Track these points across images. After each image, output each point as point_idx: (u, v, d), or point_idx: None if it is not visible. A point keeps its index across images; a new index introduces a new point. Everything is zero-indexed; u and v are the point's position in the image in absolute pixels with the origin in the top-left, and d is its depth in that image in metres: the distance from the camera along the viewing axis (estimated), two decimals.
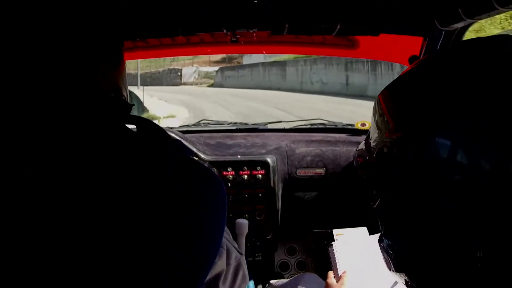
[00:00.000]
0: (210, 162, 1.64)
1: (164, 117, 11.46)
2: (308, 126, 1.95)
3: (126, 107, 0.49)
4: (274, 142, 1.76)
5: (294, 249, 1.96)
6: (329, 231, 1.76)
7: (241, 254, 0.71)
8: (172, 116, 12.14)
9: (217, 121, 2.02)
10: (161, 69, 38.43)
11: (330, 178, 1.72)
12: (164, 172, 0.48)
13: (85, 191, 0.43)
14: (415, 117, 0.43)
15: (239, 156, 1.67)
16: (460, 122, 0.38)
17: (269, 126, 1.98)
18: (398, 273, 0.48)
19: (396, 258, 0.47)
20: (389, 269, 0.50)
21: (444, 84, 0.42)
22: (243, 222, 1.48)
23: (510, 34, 0.42)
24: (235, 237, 1.49)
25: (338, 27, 1.09)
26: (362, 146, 0.61)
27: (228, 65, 33.69)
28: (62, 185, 0.42)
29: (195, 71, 37.31)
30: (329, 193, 1.75)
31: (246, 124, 1.98)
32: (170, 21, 1.07)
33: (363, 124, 1.80)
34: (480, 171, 0.36)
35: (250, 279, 1.12)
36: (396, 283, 0.96)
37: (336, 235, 1.09)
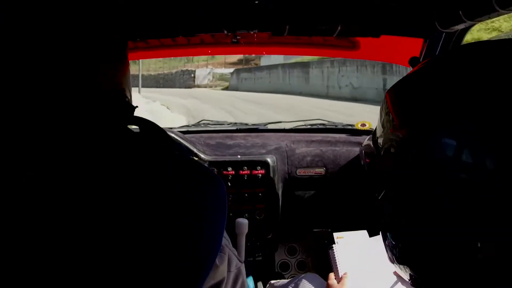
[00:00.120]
0: (210, 162, 1.64)
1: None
2: (308, 126, 1.95)
3: (129, 108, 0.49)
4: (274, 142, 1.76)
5: (295, 249, 1.96)
6: (329, 230, 1.77)
7: (241, 262, 0.71)
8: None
9: (217, 121, 2.02)
10: (174, 71, 36.79)
11: (330, 178, 1.73)
12: (164, 172, 0.48)
13: (85, 191, 0.43)
14: (419, 115, 0.44)
15: (239, 156, 1.67)
16: (462, 122, 0.39)
17: (269, 126, 1.97)
18: (401, 266, 0.49)
19: (399, 251, 0.48)
20: (392, 262, 0.50)
21: (448, 84, 0.43)
22: (243, 222, 1.48)
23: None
24: (235, 236, 1.49)
25: (339, 28, 1.09)
26: (368, 141, 0.62)
27: (245, 66, 31.57)
28: (61, 185, 0.42)
29: (209, 72, 35.24)
30: (329, 193, 1.76)
31: (246, 124, 1.98)
32: (171, 22, 1.07)
33: (363, 125, 1.80)
34: (481, 170, 0.37)
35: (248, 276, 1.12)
36: (396, 282, 0.96)
37: (337, 238, 1.09)
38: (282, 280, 1.36)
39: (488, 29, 8.47)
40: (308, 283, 1.16)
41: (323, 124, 1.97)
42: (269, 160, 1.67)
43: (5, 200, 0.41)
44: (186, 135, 1.70)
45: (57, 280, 0.40)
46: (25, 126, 0.42)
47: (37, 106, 0.41)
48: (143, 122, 0.54)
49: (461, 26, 0.98)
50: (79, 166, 0.44)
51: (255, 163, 1.66)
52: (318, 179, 1.72)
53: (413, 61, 1.15)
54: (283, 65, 22.53)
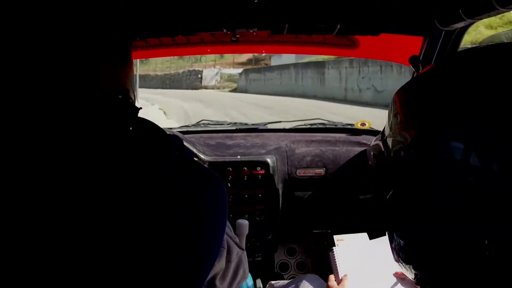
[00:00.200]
0: (210, 163, 1.64)
1: None
2: (308, 126, 1.95)
3: (132, 109, 0.49)
4: (274, 142, 1.76)
5: (294, 249, 1.96)
6: (329, 231, 1.76)
7: (242, 249, 0.71)
8: None
9: (217, 121, 2.02)
10: (181, 71, 34.82)
11: (330, 178, 1.72)
12: (164, 172, 0.48)
13: (86, 192, 0.43)
14: (428, 117, 0.44)
15: (239, 157, 1.67)
16: (470, 125, 0.39)
17: (269, 126, 1.97)
18: (406, 266, 0.49)
19: (405, 251, 0.48)
20: (397, 261, 0.50)
21: (456, 87, 0.43)
22: (244, 223, 1.48)
23: None
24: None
25: (338, 26, 1.09)
26: (377, 141, 0.63)
27: (254, 66, 29.02)
28: (62, 186, 0.42)
29: (217, 73, 32.97)
30: (329, 193, 1.75)
31: (246, 124, 1.98)
32: (170, 21, 1.07)
33: (363, 124, 1.80)
34: (489, 173, 0.37)
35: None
36: (396, 283, 0.96)
37: (337, 240, 1.09)
38: (282, 281, 1.35)
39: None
40: (308, 284, 1.15)
41: (323, 124, 1.97)
42: (269, 160, 1.66)
43: (5, 201, 0.41)
44: (186, 135, 1.70)
45: (58, 281, 0.40)
46: (26, 127, 0.42)
47: (39, 106, 0.41)
48: (143, 123, 0.54)
49: (460, 24, 0.97)
50: (79, 167, 0.44)
51: (255, 164, 1.65)
52: (318, 180, 1.72)
53: (413, 60, 1.14)
54: (295, 65, 20.49)
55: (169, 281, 0.44)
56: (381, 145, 0.57)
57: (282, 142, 1.76)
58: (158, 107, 14.53)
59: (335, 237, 1.11)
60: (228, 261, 0.65)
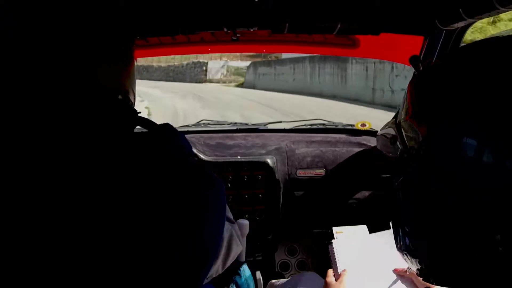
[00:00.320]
0: (210, 163, 1.64)
1: None
2: (308, 127, 1.94)
3: (131, 110, 0.50)
4: (274, 143, 1.76)
5: (295, 249, 1.96)
6: (329, 231, 1.76)
7: (232, 223, 0.71)
8: None
9: (217, 121, 2.02)
10: (185, 62, 31.94)
11: (330, 179, 1.72)
12: (163, 172, 0.48)
13: (86, 192, 0.43)
14: (438, 111, 0.44)
15: (239, 157, 1.66)
16: (480, 120, 0.39)
17: (269, 127, 1.97)
18: (411, 258, 0.48)
19: (410, 243, 0.48)
20: (401, 253, 0.50)
21: (465, 82, 0.42)
22: (244, 223, 1.48)
23: None
24: None
25: (339, 26, 1.08)
26: (389, 128, 0.62)
27: (264, 59, 24.67)
28: (63, 186, 0.42)
29: (223, 66, 29.75)
30: (329, 194, 1.75)
31: (246, 124, 1.97)
32: (171, 20, 1.07)
33: (363, 125, 1.80)
34: (496, 171, 0.37)
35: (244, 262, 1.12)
36: (396, 280, 0.96)
37: (336, 233, 1.09)
38: (281, 279, 1.35)
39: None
40: (306, 281, 1.15)
41: (323, 124, 1.96)
42: (269, 160, 1.66)
43: (6, 201, 0.41)
44: (186, 135, 1.69)
45: (58, 280, 0.40)
46: (28, 127, 0.42)
47: (41, 107, 0.42)
48: (143, 123, 0.54)
49: (461, 24, 0.97)
50: (79, 166, 0.44)
51: (255, 164, 1.65)
52: (318, 181, 1.72)
53: (413, 60, 1.14)
54: (311, 58, 16.75)
55: (169, 281, 0.44)
56: (396, 130, 0.57)
57: (282, 142, 1.76)
58: (146, 105, 12.56)
59: (334, 229, 1.10)
60: None
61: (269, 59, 23.53)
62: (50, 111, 0.42)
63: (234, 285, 1.02)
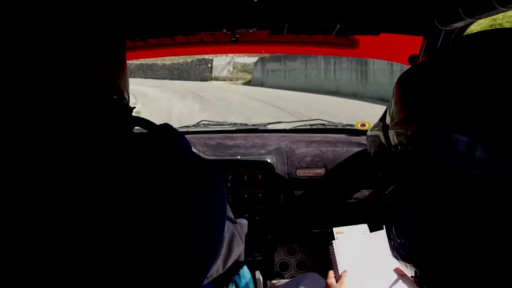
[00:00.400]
0: (210, 163, 1.64)
1: None
2: (308, 127, 1.95)
3: (127, 109, 0.50)
4: (274, 143, 1.76)
5: (294, 249, 1.96)
6: (328, 231, 1.76)
7: (234, 223, 0.71)
8: None
9: (217, 122, 2.02)
10: (190, 60, 31.13)
11: (329, 179, 1.72)
12: (163, 172, 0.48)
13: (87, 192, 0.43)
14: (427, 111, 0.43)
15: (239, 157, 1.67)
16: (471, 120, 0.38)
17: (269, 127, 1.97)
18: (405, 264, 0.48)
19: (404, 249, 0.48)
20: (397, 259, 0.50)
21: (456, 80, 0.42)
22: (243, 222, 1.48)
23: None
24: None
25: (338, 26, 1.08)
26: (377, 131, 0.61)
27: (272, 54, 21.72)
28: (64, 186, 0.42)
29: (229, 62, 28.44)
30: (329, 194, 1.75)
31: (246, 124, 1.98)
32: (170, 21, 1.07)
33: (363, 125, 1.80)
34: (490, 170, 0.37)
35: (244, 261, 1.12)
36: (397, 280, 0.96)
37: (337, 233, 1.08)
38: (282, 280, 1.35)
39: None
40: (308, 282, 1.15)
41: (323, 124, 1.96)
42: (269, 160, 1.67)
43: (6, 201, 0.41)
44: (186, 136, 1.69)
45: (58, 280, 0.40)
46: (28, 127, 0.42)
47: (40, 108, 0.42)
48: (142, 122, 0.54)
49: (460, 24, 0.97)
50: (80, 167, 0.44)
51: (255, 164, 1.66)
52: (317, 180, 1.72)
53: (412, 59, 1.14)
54: None
55: (169, 281, 0.44)
56: (383, 135, 0.56)
57: (282, 142, 1.76)
58: (137, 109, 10.21)
59: (335, 229, 1.10)
60: None
61: (278, 54, 19.62)
62: (50, 111, 0.42)
63: (234, 285, 1.02)
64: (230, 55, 27.95)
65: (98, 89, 0.46)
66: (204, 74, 28.86)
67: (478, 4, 0.85)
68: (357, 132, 1.83)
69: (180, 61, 32.90)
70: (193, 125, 1.99)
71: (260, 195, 1.67)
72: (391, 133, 0.51)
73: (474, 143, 0.37)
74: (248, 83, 23.72)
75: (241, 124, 1.97)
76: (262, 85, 20.69)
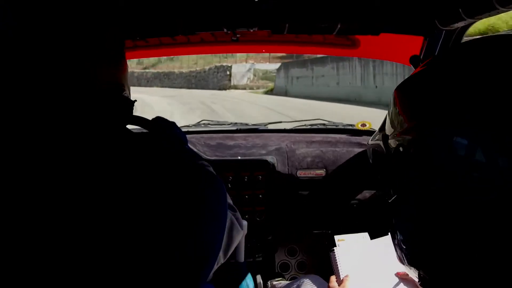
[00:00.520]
0: (210, 163, 1.64)
1: None
2: (309, 127, 1.94)
3: (128, 103, 0.50)
4: (274, 143, 1.76)
5: (295, 250, 1.95)
6: (329, 232, 1.76)
7: (234, 211, 0.70)
8: None
9: (218, 122, 2.02)
10: (207, 67, 28.77)
11: (330, 179, 1.72)
12: (163, 171, 0.48)
13: (87, 191, 0.43)
14: (428, 116, 0.43)
15: (239, 157, 1.66)
16: (469, 124, 0.38)
17: (270, 127, 1.97)
18: (411, 268, 0.48)
19: (409, 253, 0.48)
20: (402, 263, 0.50)
21: (456, 84, 0.42)
22: (243, 223, 1.48)
23: None
24: None
25: (339, 26, 1.08)
26: (377, 141, 0.61)
27: (296, 59, 19.52)
28: (64, 185, 0.42)
29: (249, 69, 25.86)
30: (329, 194, 1.75)
31: (246, 124, 1.98)
32: (171, 20, 1.07)
33: (363, 125, 1.80)
34: (491, 172, 0.37)
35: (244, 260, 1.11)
36: (398, 284, 0.96)
37: (338, 240, 1.09)
38: (283, 281, 1.35)
39: None
40: (309, 285, 1.15)
41: (324, 125, 1.96)
42: (269, 161, 1.66)
43: (7, 200, 0.41)
44: (186, 136, 1.69)
45: (58, 280, 0.40)
46: (28, 127, 0.42)
47: (40, 105, 0.42)
48: (142, 122, 0.54)
49: (461, 24, 0.97)
50: (80, 166, 0.44)
51: (256, 164, 1.65)
52: (318, 181, 1.72)
53: (413, 60, 1.14)
54: None
55: (169, 281, 0.44)
56: (383, 144, 0.56)
57: (282, 142, 1.76)
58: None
59: (336, 237, 1.10)
60: None
61: (304, 58, 17.94)
62: (50, 111, 0.42)
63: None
64: (251, 61, 26.61)
65: (98, 89, 0.46)
66: (222, 82, 26.37)
67: (479, 4, 0.85)
68: (358, 132, 1.83)
69: (197, 69, 30.63)
70: (194, 125, 1.99)
71: (260, 196, 1.67)
72: (391, 142, 0.52)
73: (473, 145, 0.38)
74: (270, 91, 20.97)
75: (241, 123, 1.97)
76: (286, 94, 17.96)
